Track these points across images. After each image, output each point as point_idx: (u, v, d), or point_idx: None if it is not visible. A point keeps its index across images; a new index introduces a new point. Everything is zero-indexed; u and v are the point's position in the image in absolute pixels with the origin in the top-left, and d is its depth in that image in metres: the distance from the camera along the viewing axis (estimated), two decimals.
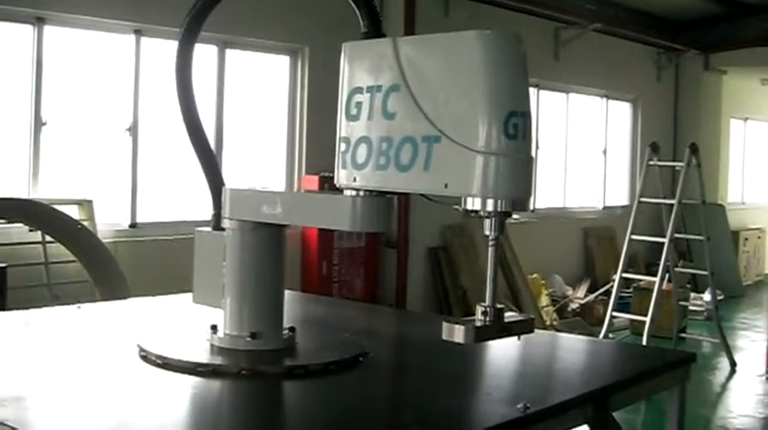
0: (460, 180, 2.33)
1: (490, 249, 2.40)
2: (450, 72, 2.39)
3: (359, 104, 2.55)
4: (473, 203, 2.34)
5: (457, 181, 2.34)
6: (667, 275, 9.77)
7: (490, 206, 2.33)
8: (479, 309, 2.39)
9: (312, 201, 2.97)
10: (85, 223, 7.56)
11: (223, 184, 2.89)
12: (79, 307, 3.64)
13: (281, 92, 9.70)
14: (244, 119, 9.25)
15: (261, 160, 9.57)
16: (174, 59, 2.93)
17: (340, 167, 2.59)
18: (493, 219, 2.37)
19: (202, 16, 2.92)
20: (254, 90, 9.38)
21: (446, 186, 2.38)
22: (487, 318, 2.38)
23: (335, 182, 2.61)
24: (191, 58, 2.95)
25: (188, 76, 2.94)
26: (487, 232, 2.37)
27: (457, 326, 2.34)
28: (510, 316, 2.45)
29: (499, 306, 2.40)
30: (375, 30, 2.65)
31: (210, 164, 2.96)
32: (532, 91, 12.70)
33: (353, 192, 2.55)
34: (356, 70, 2.59)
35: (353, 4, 2.67)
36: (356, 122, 2.56)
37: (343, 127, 2.60)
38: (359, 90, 2.55)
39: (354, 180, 2.55)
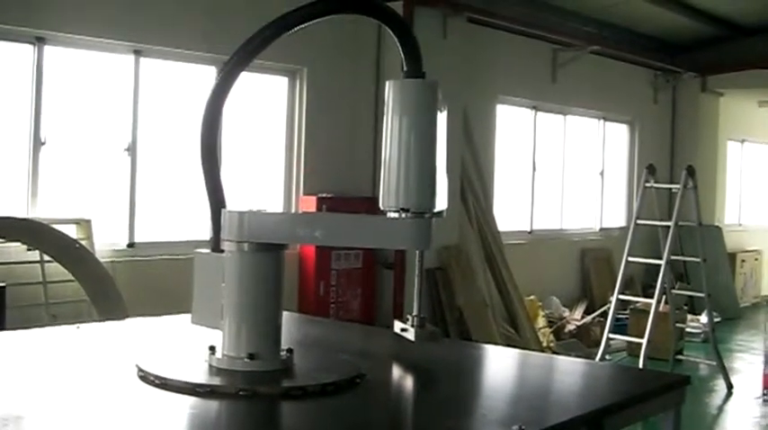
0: None
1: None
2: None
3: None
4: None
5: None
6: (664, 297, 9.78)
7: None
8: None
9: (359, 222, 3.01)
10: (84, 242, 7.58)
11: (225, 207, 2.91)
12: (78, 327, 3.65)
13: (280, 113, 9.74)
14: (242, 139, 9.27)
15: (258, 181, 9.59)
16: (215, 82, 2.95)
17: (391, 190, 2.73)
18: None
19: (258, 50, 2.96)
20: (253, 111, 9.41)
21: None
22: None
23: (381, 204, 2.73)
24: (230, 86, 2.97)
25: (221, 101, 2.96)
26: None
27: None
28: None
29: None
30: (417, 71, 2.77)
31: (216, 186, 2.98)
32: (530, 113, 12.77)
33: (403, 214, 2.68)
34: None
35: (399, 45, 2.77)
36: None
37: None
38: None
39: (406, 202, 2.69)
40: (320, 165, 9.79)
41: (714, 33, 14.47)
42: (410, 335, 2.85)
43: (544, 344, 10.90)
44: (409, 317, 2.86)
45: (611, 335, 9.64)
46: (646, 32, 14.34)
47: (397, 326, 2.93)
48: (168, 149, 8.62)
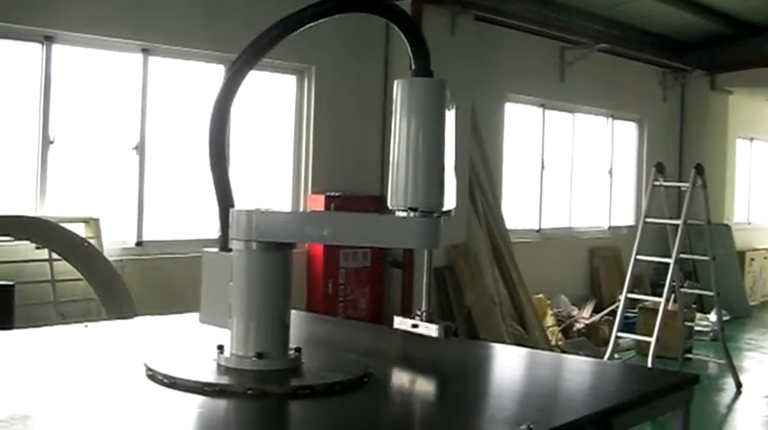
0: None
1: None
2: None
3: None
4: None
5: None
6: (673, 296, 9.75)
7: None
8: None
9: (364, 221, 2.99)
10: (92, 241, 7.59)
11: (233, 206, 2.91)
12: (86, 325, 3.65)
13: (288, 111, 9.73)
14: (250, 138, 9.27)
15: (267, 179, 9.59)
16: (223, 80, 2.95)
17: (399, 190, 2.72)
18: None
19: (266, 48, 2.96)
20: (261, 109, 9.41)
21: None
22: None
23: (389, 204, 2.72)
24: (239, 85, 2.96)
25: (230, 100, 2.96)
26: None
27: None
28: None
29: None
30: (425, 69, 2.77)
31: (224, 185, 2.98)
32: (538, 111, 12.75)
33: (411, 213, 2.67)
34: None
35: (407, 44, 2.77)
36: None
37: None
38: None
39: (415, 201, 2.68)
40: (328, 163, 9.79)
41: (723, 31, 14.43)
42: (423, 329, 2.83)
43: (553, 343, 10.89)
44: (418, 312, 2.85)
45: (620, 334, 9.61)
46: (654, 30, 14.31)
47: (397, 322, 2.89)
48: (177, 148, 8.63)
